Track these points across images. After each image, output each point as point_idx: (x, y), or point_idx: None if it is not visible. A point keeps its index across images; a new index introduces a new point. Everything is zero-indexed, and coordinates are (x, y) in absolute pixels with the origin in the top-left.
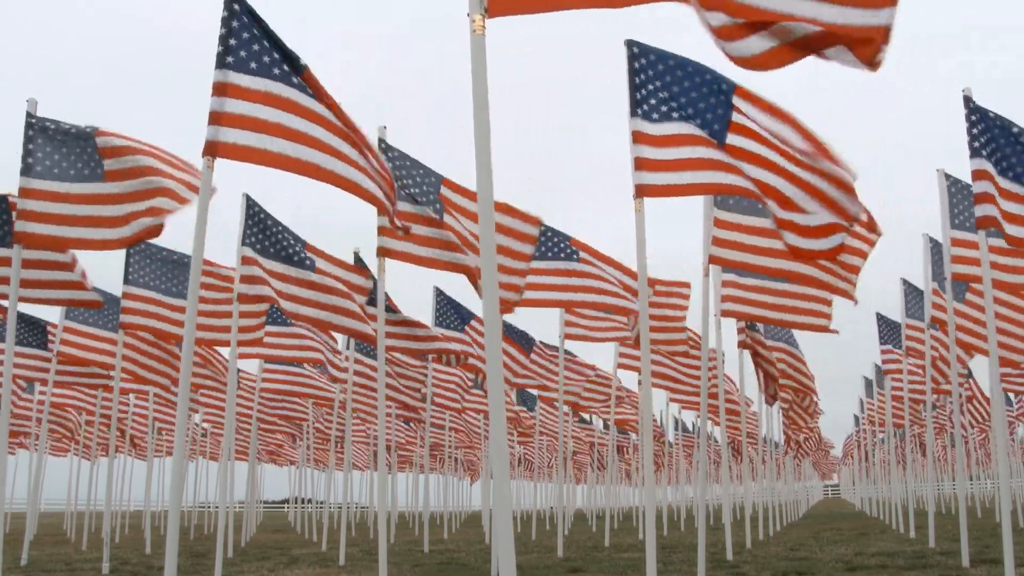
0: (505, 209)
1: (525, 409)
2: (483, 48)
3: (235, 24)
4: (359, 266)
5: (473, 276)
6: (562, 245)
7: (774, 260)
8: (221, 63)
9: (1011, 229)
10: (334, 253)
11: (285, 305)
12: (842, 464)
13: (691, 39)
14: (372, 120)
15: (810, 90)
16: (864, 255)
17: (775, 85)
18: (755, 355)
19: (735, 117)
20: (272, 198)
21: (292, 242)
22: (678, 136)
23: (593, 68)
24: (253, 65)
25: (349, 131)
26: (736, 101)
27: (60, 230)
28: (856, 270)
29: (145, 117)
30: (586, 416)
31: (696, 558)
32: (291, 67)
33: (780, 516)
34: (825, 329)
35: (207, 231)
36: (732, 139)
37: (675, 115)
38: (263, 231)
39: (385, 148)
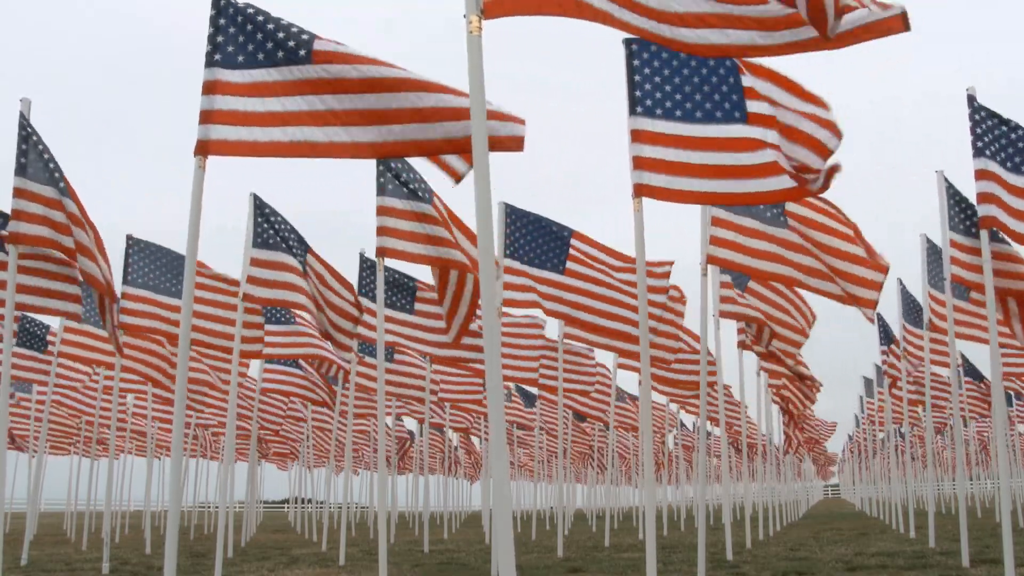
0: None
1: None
2: (479, 48)
3: (222, 21)
4: (363, 269)
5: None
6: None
7: (770, 264)
8: (210, 61)
9: (1017, 225)
10: (337, 252)
11: (295, 298)
12: (842, 460)
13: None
14: None
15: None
16: (877, 286)
17: None
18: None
19: (750, 103)
20: (273, 199)
21: (298, 245)
22: (680, 137)
23: (592, 67)
24: (240, 58)
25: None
26: (746, 80)
27: (50, 233)
28: (874, 285)
29: (145, 118)
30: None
31: (696, 558)
32: (287, 45)
33: (780, 516)
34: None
35: (208, 233)
36: (752, 107)
37: (677, 112)
38: (273, 229)
39: None
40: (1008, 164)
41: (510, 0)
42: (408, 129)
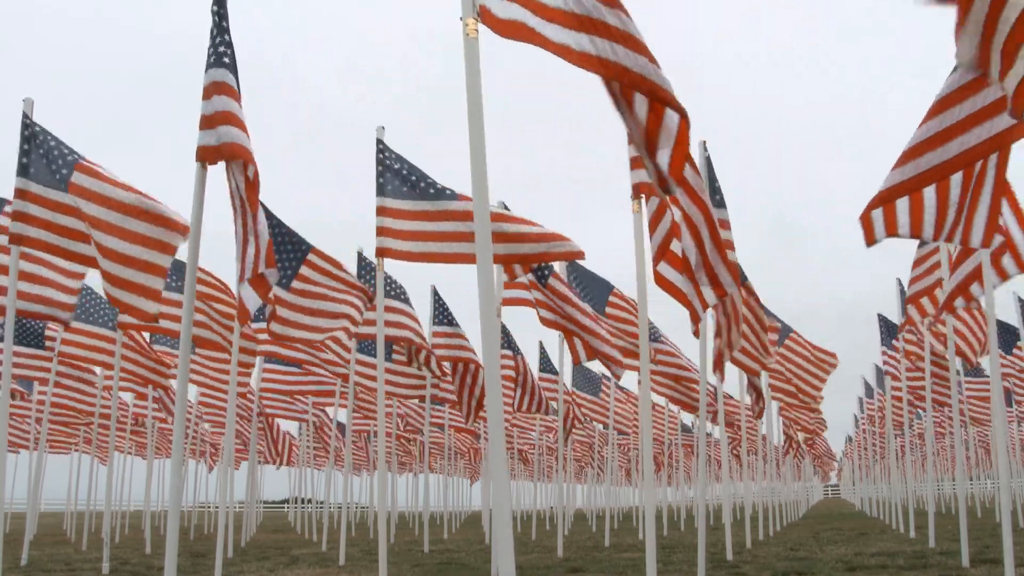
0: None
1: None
2: (476, 51)
3: (223, 24)
4: (361, 268)
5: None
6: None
7: None
8: (210, 64)
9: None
10: (334, 250)
11: (274, 328)
12: (842, 460)
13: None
14: (370, 121)
15: (811, 91)
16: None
17: (780, 92)
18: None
19: None
20: (273, 199)
21: (288, 252)
22: None
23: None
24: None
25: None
26: None
27: (54, 238)
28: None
29: (147, 121)
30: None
31: (696, 558)
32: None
33: (780, 516)
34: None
35: (207, 236)
36: None
37: None
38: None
39: (382, 148)
40: None
41: (502, 23)
42: None
